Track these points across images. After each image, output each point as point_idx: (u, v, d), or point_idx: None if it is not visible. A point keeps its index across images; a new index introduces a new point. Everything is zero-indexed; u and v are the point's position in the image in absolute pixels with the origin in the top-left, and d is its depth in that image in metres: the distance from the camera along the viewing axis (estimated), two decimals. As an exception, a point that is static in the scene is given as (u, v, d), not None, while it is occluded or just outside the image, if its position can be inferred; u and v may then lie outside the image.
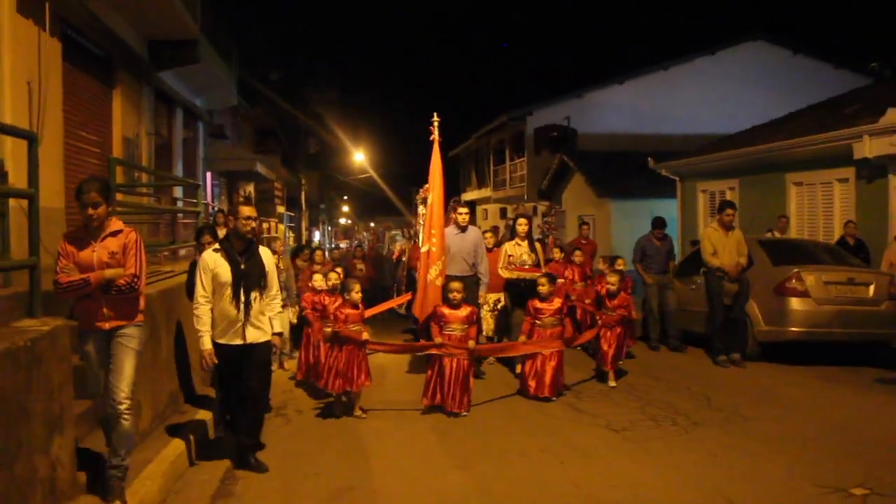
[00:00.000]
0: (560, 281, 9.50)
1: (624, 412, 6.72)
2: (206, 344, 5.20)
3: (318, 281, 8.16)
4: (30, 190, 4.18)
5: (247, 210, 5.31)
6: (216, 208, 15.22)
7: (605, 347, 8.12)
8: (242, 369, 5.30)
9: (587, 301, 9.44)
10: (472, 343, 7.05)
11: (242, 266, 5.24)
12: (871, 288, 8.97)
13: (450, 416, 6.63)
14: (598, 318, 8.39)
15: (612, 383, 7.97)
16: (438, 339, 7.01)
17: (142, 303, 4.45)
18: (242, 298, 5.21)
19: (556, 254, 11.00)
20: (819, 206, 12.62)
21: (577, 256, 10.65)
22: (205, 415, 6.18)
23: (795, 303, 8.76)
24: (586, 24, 64.45)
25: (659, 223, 10.91)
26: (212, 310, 5.23)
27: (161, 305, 5.87)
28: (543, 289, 7.75)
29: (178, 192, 13.07)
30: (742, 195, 14.61)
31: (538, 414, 6.79)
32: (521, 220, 9.40)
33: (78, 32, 8.97)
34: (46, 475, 3.67)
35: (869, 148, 10.93)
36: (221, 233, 9.24)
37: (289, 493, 4.74)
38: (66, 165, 8.44)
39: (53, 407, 3.78)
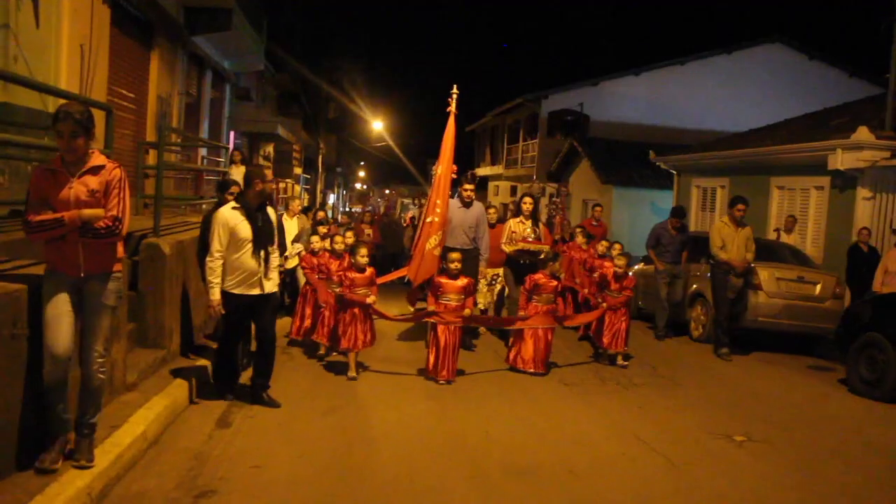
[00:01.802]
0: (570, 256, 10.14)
1: (578, 372, 7.88)
2: (216, 294, 5.63)
3: (316, 242, 8.38)
4: (106, 150, 5.30)
5: (270, 174, 6.23)
6: (234, 147, 16.01)
7: (609, 330, 8.32)
8: (254, 317, 5.90)
9: (583, 282, 9.77)
10: (467, 311, 7.31)
11: (260, 223, 5.72)
12: (819, 286, 10.10)
13: (441, 384, 6.96)
14: (602, 300, 8.52)
15: (621, 362, 8.29)
16: (432, 308, 7.34)
17: (120, 250, 4.17)
18: (262, 254, 5.69)
19: (580, 237, 10.87)
20: (797, 209, 13.66)
21: (579, 237, 10.76)
22: (205, 362, 6.62)
23: (749, 295, 9.86)
24: (608, 13, 64.93)
25: (678, 212, 11.00)
26: (224, 263, 5.65)
27: (191, 249, 7.03)
28: (556, 267, 8.14)
29: (202, 150, 14.28)
30: (731, 193, 15.61)
31: (511, 374, 7.63)
32: (527, 199, 9.51)
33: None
34: (109, 370, 4.92)
35: (841, 160, 11.94)
36: (235, 172, 10.12)
37: (288, 412, 5.81)
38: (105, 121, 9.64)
39: (116, 320, 5.03)
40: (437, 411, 6.13)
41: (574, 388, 7.23)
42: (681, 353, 9.53)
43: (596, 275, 9.24)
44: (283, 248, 6.75)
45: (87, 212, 3.88)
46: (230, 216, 5.70)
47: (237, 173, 12.41)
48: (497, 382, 7.26)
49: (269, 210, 5.98)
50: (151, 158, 9.77)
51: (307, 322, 8.22)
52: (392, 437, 5.36)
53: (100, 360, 4.07)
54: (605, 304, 8.42)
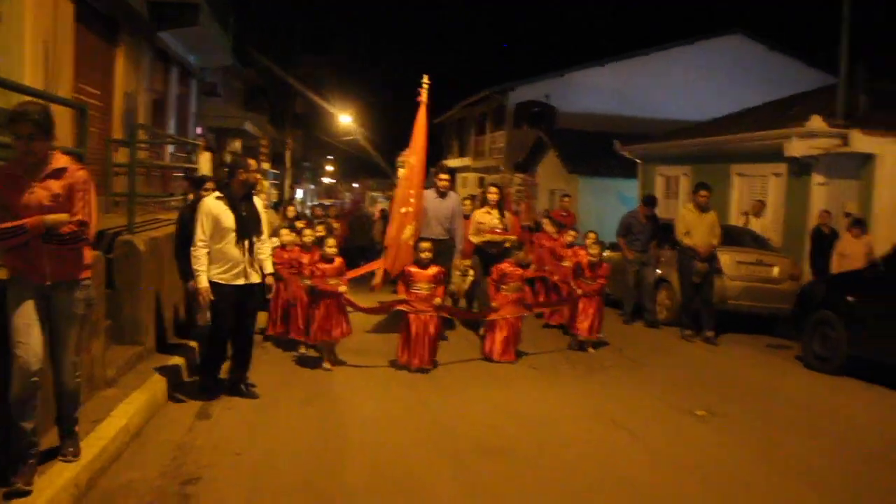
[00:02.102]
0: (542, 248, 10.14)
1: (548, 358, 8.09)
2: (203, 282, 5.69)
3: (284, 236, 8.31)
4: (80, 149, 5.39)
5: (254, 162, 6.02)
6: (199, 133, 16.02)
7: (584, 317, 8.40)
8: (238, 307, 5.87)
9: (555, 271, 9.80)
10: (437, 300, 7.36)
11: (244, 213, 5.79)
12: (776, 269, 10.49)
13: (414, 372, 7.06)
14: (576, 288, 8.56)
15: (591, 350, 8.42)
16: (403, 296, 7.36)
17: (87, 256, 4.01)
18: (246, 244, 5.77)
19: (548, 226, 10.92)
20: (757, 195, 14.05)
21: (548, 225, 10.77)
22: (178, 360, 6.58)
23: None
24: (574, 4, 65.43)
25: (649, 201, 11.10)
26: (208, 253, 5.72)
27: (167, 245, 7.13)
28: (523, 256, 8.32)
29: (170, 147, 14.26)
30: (693, 181, 15.98)
31: (484, 362, 7.76)
32: (492, 189, 9.52)
33: None
34: (88, 367, 5.05)
35: (796, 148, 12.34)
36: (201, 159, 10.10)
37: (265, 403, 5.94)
38: (73, 119, 9.61)
39: (94, 317, 5.14)
40: (411, 398, 6.32)
41: (544, 371, 7.47)
42: (646, 337, 9.83)
43: (568, 263, 9.36)
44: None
45: (51, 217, 3.68)
46: (214, 206, 5.77)
47: (203, 160, 12.46)
48: (470, 370, 7.45)
49: (256, 200, 6.05)
50: (121, 156, 9.79)
51: (278, 317, 8.15)
52: (369, 423, 5.55)
53: (74, 369, 4.02)
54: (579, 291, 8.48)
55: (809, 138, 12.24)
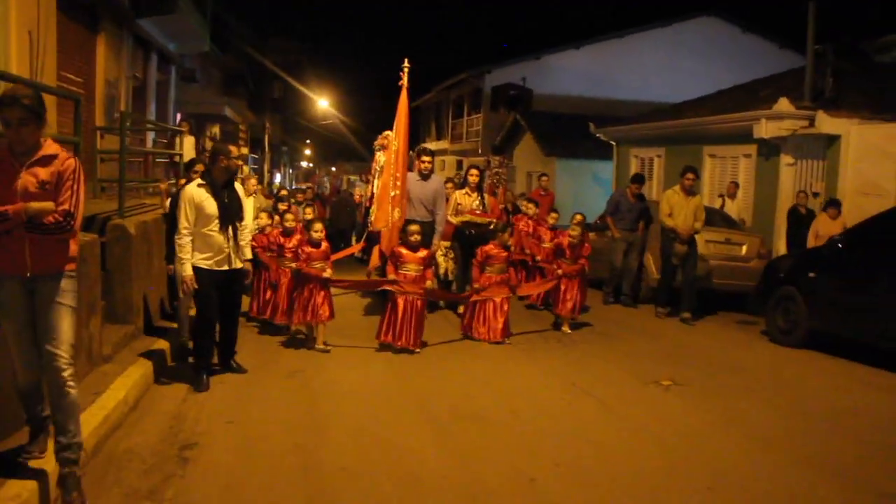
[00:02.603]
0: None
1: (526, 336, 8.38)
2: (188, 270, 5.79)
3: (263, 219, 8.49)
4: (76, 138, 5.64)
5: (235, 149, 6.46)
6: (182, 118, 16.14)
7: (565, 297, 8.57)
8: (223, 292, 6.00)
9: (535, 251, 9.98)
10: (428, 283, 7.52)
11: (226, 200, 5.87)
12: (744, 247, 10.92)
13: (398, 352, 7.20)
14: (558, 268, 8.66)
15: (566, 329, 8.57)
16: (393, 277, 7.45)
17: (73, 248, 3.79)
18: (230, 230, 5.86)
19: (529, 208, 11.00)
20: (728, 176, 14.48)
21: (530, 209, 10.84)
22: (164, 344, 6.73)
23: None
24: None
25: (638, 179, 11.08)
26: (193, 240, 5.81)
27: (155, 229, 7.40)
28: (507, 237, 8.34)
29: (151, 133, 14.43)
30: (667, 163, 16.49)
31: (466, 340, 8.00)
32: (473, 171, 9.65)
33: None
34: (87, 343, 5.34)
35: (765, 129, 12.75)
36: (186, 142, 10.16)
37: (253, 377, 6.29)
38: (58, 107, 9.76)
39: (92, 295, 5.44)
40: (393, 370, 6.67)
41: (519, 346, 7.83)
42: (622, 314, 10.20)
43: (550, 243, 9.51)
44: None
45: (35, 205, 3.52)
46: (196, 193, 5.83)
47: (187, 144, 12.63)
48: (450, 346, 7.77)
49: (238, 186, 6.15)
50: (107, 143, 9.99)
51: (265, 297, 8.25)
52: (353, 393, 5.90)
53: (66, 367, 3.63)
54: (560, 272, 8.58)
55: (777, 120, 12.66)
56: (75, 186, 3.67)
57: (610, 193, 18.89)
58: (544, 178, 14.56)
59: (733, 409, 5.78)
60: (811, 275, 8.14)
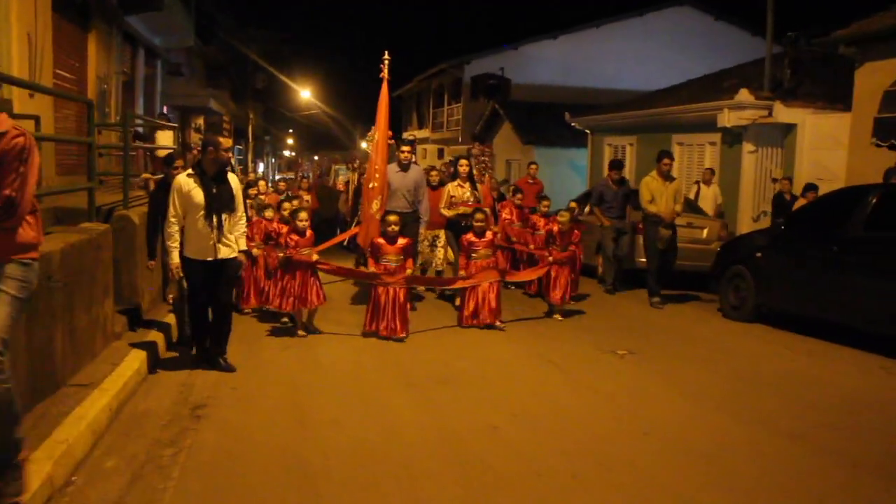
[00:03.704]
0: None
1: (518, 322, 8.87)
2: (175, 259, 5.95)
3: (269, 212, 8.70)
4: (90, 138, 6.30)
5: (226, 142, 6.54)
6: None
7: (555, 285, 8.67)
8: (211, 283, 6.07)
9: (525, 240, 10.08)
10: (408, 271, 7.66)
11: (214, 190, 5.92)
12: (705, 231, 11.73)
13: (383, 339, 7.42)
14: (549, 255, 8.73)
15: (558, 318, 8.71)
16: (373, 269, 7.65)
17: (30, 233, 3.48)
18: (215, 220, 5.90)
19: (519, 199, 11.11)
20: (695, 163, 15.30)
21: (518, 199, 11.01)
22: (171, 319, 7.21)
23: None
24: None
25: (615, 165, 11.10)
26: (182, 229, 5.96)
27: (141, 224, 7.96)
28: (480, 224, 8.33)
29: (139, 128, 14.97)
30: (639, 151, 17.31)
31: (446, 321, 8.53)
32: (463, 162, 9.69)
33: None
34: (102, 321, 6.05)
35: (727, 119, 13.57)
36: (162, 136, 10.33)
37: (249, 351, 6.97)
38: (54, 103, 10.27)
39: (106, 278, 6.14)
40: (377, 344, 7.39)
41: (500, 326, 8.51)
42: (596, 297, 10.66)
43: (542, 231, 9.64)
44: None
45: None
46: (185, 182, 5.94)
47: (163, 138, 13.13)
48: (437, 331, 8.18)
49: (231, 177, 6.19)
50: (102, 138, 10.58)
51: (253, 290, 8.50)
52: (340, 363, 6.68)
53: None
54: (550, 259, 8.70)
55: (738, 110, 13.48)
56: (22, 168, 3.31)
57: (585, 180, 19.87)
58: (532, 167, 14.64)
59: (676, 373, 6.60)
60: (758, 255, 8.95)
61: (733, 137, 14.03)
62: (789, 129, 13.29)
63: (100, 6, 12.59)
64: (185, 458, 4.35)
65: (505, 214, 10.82)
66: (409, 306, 7.73)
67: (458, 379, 6.19)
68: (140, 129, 13.77)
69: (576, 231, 8.98)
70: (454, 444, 4.72)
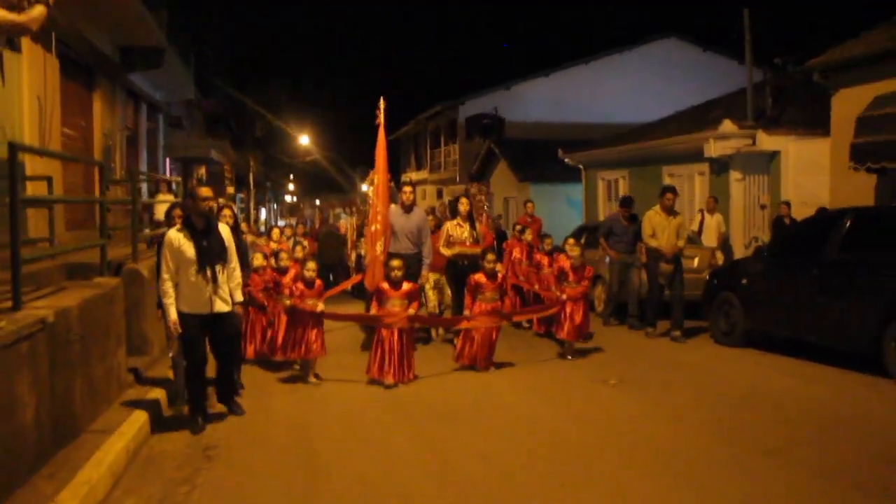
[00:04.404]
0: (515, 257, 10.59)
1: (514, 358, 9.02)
2: (173, 315, 5.90)
3: (258, 259, 8.62)
4: (102, 197, 6.71)
5: (204, 191, 6.06)
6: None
7: (570, 321, 8.58)
8: (209, 337, 6.10)
9: (532, 280, 10.19)
10: (411, 311, 7.58)
11: (205, 243, 5.93)
12: (696, 260, 12.06)
13: (387, 388, 7.36)
14: (562, 293, 8.69)
15: (569, 358, 8.65)
16: (374, 313, 7.65)
17: None
18: (209, 273, 5.91)
19: (528, 235, 11.32)
20: (685, 194, 15.71)
21: (528, 235, 11.06)
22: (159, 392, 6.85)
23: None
24: (517, 19, 68.77)
25: (626, 202, 11.18)
26: (177, 284, 5.94)
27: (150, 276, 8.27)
28: (490, 265, 8.18)
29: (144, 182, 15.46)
30: (631, 184, 17.75)
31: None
32: (463, 200, 9.70)
33: (69, 48, 10.88)
34: (116, 370, 6.41)
35: (713, 149, 14.03)
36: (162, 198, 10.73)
37: (254, 395, 7.31)
38: (63, 162, 10.64)
39: (119, 329, 6.51)
40: (379, 386, 7.68)
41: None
42: (606, 335, 10.56)
43: (549, 269, 9.69)
44: (244, 266, 6.98)
45: None
46: (174, 238, 5.97)
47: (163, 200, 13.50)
48: (437, 373, 8.26)
49: (222, 228, 6.23)
50: (111, 193, 11.01)
51: (258, 341, 8.56)
52: (344, 404, 6.99)
53: None
54: (564, 297, 8.64)
55: (723, 140, 13.96)
56: None
57: (581, 215, 20.29)
58: (530, 205, 14.82)
59: (663, 398, 6.93)
60: (744, 281, 9.30)
61: (721, 166, 14.47)
62: (773, 155, 13.75)
63: (104, 66, 13.12)
64: (199, 494, 4.69)
65: (515, 254, 10.89)
66: (411, 353, 7.71)
67: (455, 413, 6.52)
68: (158, 184, 14.17)
69: (588, 266, 8.99)
70: (449, 472, 5.04)
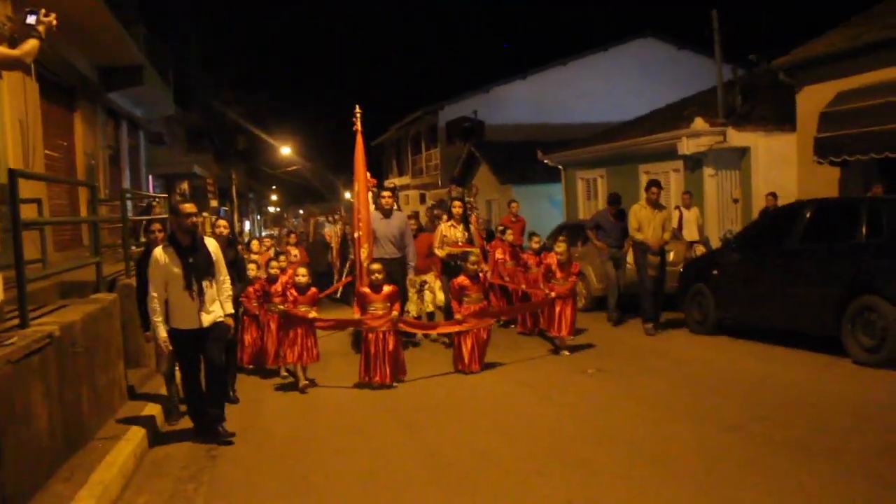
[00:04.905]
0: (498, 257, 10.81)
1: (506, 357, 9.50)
2: (162, 332, 5.99)
3: (252, 270, 8.92)
4: (93, 217, 7.13)
5: (188, 207, 6.09)
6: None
7: (561, 319, 8.84)
8: (200, 351, 6.14)
9: (518, 279, 10.49)
10: (394, 313, 7.79)
11: (191, 259, 5.98)
12: (672, 254, 12.56)
13: (375, 388, 7.69)
14: (550, 290, 8.95)
15: (566, 353, 8.92)
16: (357, 317, 7.89)
17: None
18: (195, 288, 5.96)
19: (509, 235, 11.31)
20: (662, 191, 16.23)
21: (509, 235, 11.34)
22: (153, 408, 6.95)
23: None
24: (494, 22, 69.69)
25: (614, 199, 11.38)
26: (166, 300, 6.01)
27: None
28: (473, 266, 8.42)
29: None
30: (609, 182, 18.29)
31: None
32: (456, 203, 10.00)
33: (48, 71, 11.11)
34: (118, 380, 6.84)
35: (687, 146, 14.59)
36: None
37: (253, 398, 7.77)
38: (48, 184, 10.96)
39: (118, 342, 6.94)
40: (368, 388, 8.13)
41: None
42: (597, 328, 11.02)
43: (537, 268, 9.97)
44: (242, 279, 7.28)
45: None
46: (160, 255, 6.02)
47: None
48: (425, 371, 8.56)
49: (208, 241, 6.28)
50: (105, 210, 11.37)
51: (257, 343, 8.77)
52: (339, 403, 7.48)
53: None
54: (552, 294, 8.91)
55: (695, 137, 14.51)
56: None
57: (563, 214, 20.81)
58: (514, 205, 14.78)
59: (636, 384, 7.48)
60: (714, 272, 9.84)
61: (694, 163, 15.03)
62: (744, 151, 14.32)
63: (84, 87, 13.48)
64: (207, 489, 5.14)
65: (498, 255, 11.20)
66: (401, 352, 7.98)
67: (442, 406, 7.03)
68: (150, 202, 14.50)
69: (574, 263, 9.28)
70: (434, 457, 5.53)
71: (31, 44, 4.96)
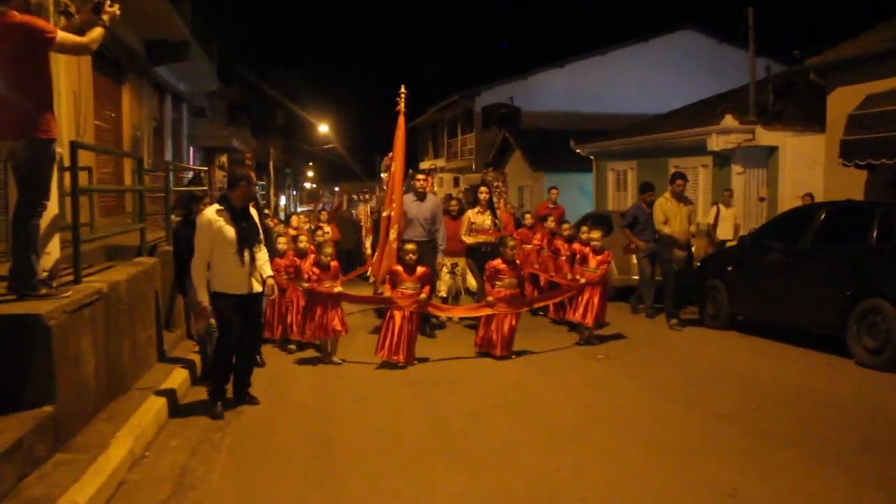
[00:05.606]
0: (527, 247, 10.98)
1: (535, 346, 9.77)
2: (203, 296, 6.09)
3: (282, 243, 9.01)
4: (140, 186, 7.71)
5: (255, 177, 6.35)
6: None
7: (589, 306, 8.88)
8: (242, 315, 6.27)
9: (549, 267, 10.55)
10: (423, 295, 7.95)
11: (244, 225, 6.13)
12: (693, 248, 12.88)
13: (393, 368, 7.90)
14: (579, 277, 8.97)
15: (594, 343, 8.99)
16: (388, 295, 8.02)
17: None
18: (247, 255, 6.10)
19: (528, 219, 12.08)
20: (690, 185, 16.46)
21: (550, 222, 11.43)
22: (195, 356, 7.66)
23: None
24: (535, 11, 69.51)
25: (646, 187, 11.29)
26: (209, 265, 6.08)
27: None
28: (511, 252, 8.47)
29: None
30: (639, 175, 18.56)
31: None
32: (483, 189, 10.01)
33: (100, 45, 12.18)
34: (155, 338, 7.42)
35: (716, 143, 14.84)
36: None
37: (272, 373, 8.30)
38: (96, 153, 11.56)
39: (156, 303, 7.52)
40: (387, 362, 8.57)
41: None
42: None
43: (564, 255, 9.98)
44: (271, 252, 7.31)
45: None
46: (213, 218, 6.08)
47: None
48: (448, 353, 9.20)
49: (253, 211, 6.42)
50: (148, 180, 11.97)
51: (282, 318, 8.94)
52: (356, 374, 7.97)
53: None
54: (583, 280, 8.95)
55: (725, 134, 14.75)
56: None
57: (592, 204, 21.12)
58: (553, 191, 15.00)
59: (641, 371, 7.87)
60: (729, 268, 10.16)
61: (723, 160, 15.27)
62: (772, 151, 14.53)
63: (132, 61, 14.11)
64: (232, 438, 5.69)
65: (536, 241, 11.34)
66: (416, 336, 8.09)
67: (455, 379, 7.51)
68: (199, 174, 15.14)
69: (607, 251, 9.20)
70: (443, 425, 6.01)
71: (97, 31, 5.44)
